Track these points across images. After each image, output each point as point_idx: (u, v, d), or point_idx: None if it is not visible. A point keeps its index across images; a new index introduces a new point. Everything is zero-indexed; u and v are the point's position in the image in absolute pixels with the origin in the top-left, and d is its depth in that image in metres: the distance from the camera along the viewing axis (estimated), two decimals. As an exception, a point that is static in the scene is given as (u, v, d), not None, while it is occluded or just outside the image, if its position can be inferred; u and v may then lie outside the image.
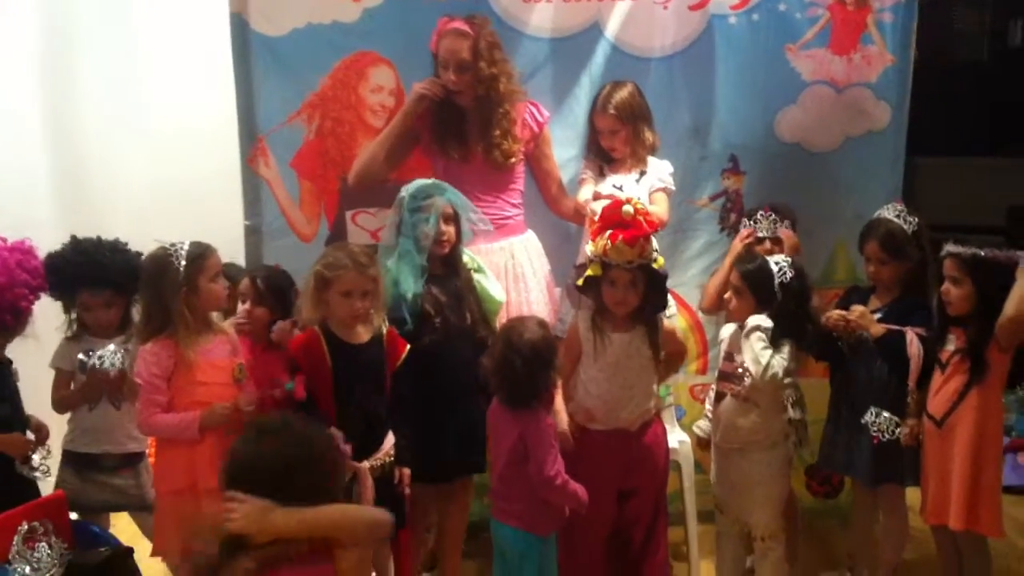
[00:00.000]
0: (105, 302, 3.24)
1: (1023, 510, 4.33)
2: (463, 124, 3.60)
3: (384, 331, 3.09)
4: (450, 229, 3.28)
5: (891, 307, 3.37)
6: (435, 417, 3.22)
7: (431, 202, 3.25)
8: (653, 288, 3.13)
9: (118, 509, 3.30)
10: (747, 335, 3.19)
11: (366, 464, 2.97)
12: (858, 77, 3.96)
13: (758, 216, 3.65)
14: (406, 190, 3.30)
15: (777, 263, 3.27)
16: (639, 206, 3.10)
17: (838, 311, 3.38)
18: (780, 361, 3.15)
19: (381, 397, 3.06)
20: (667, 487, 3.32)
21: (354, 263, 2.99)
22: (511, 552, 3.00)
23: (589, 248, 3.15)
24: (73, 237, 3.28)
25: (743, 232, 3.67)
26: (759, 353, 3.15)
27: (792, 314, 3.20)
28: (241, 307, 3.27)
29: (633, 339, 3.14)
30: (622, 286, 3.08)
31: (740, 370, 3.25)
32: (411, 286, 3.20)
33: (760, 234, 3.62)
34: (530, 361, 2.91)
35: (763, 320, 3.20)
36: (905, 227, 3.37)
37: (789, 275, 3.22)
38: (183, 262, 3.03)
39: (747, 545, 3.44)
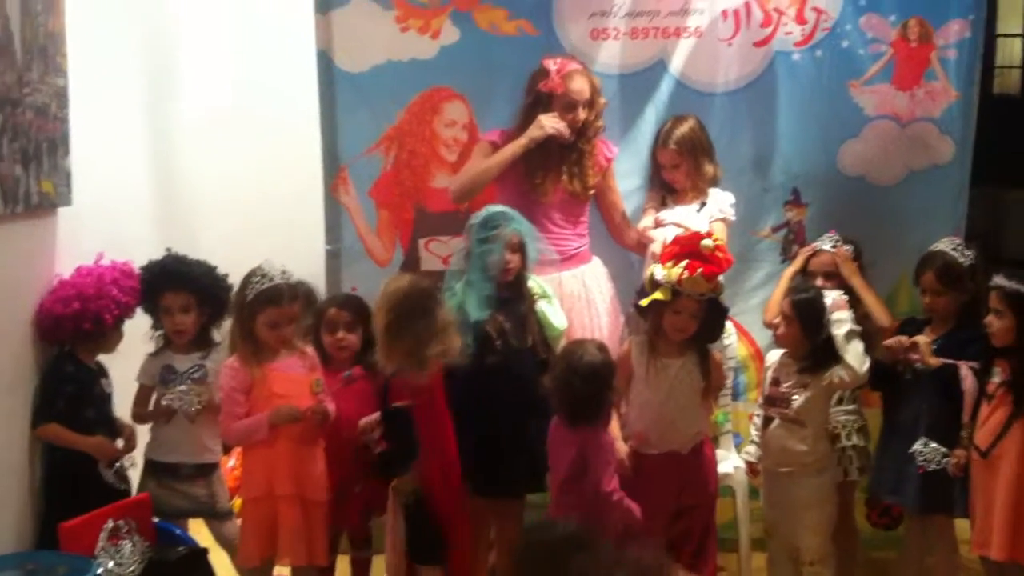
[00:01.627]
0: (182, 306, 3.43)
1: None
2: (552, 160, 3.73)
3: None
4: (515, 257, 3.43)
5: (946, 339, 3.42)
6: (495, 434, 3.37)
7: (498, 232, 3.40)
8: (712, 318, 3.26)
9: (192, 515, 3.50)
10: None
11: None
12: (921, 112, 4.03)
13: (824, 236, 3.74)
14: (476, 218, 3.47)
15: (831, 297, 3.36)
16: (718, 241, 3.27)
17: (895, 339, 3.44)
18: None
19: None
20: (716, 508, 3.42)
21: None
22: None
23: (659, 272, 3.25)
24: (167, 250, 3.54)
25: (807, 248, 3.77)
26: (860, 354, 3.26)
27: (833, 349, 3.29)
28: (332, 335, 3.46)
29: (685, 364, 3.27)
30: (687, 315, 3.22)
31: (787, 394, 3.34)
32: (476, 312, 3.37)
33: (821, 246, 3.69)
34: (589, 381, 3.05)
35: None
36: (961, 260, 3.42)
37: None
38: (251, 294, 3.24)
39: (798, 571, 3.51)
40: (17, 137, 3.08)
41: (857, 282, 3.57)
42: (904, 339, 3.42)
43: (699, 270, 3.15)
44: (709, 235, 3.29)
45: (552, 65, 3.68)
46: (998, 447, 3.17)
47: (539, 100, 3.70)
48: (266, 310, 3.23)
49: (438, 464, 3.18)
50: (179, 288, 3.44)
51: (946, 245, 3.50)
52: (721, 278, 3.26)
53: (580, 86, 3.67)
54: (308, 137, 4.05)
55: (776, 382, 3.40)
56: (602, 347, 3.22)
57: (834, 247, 3.67)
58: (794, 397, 3.32)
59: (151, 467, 3.46)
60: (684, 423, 3.27)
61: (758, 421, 3.52)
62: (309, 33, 4.00)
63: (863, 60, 4.02)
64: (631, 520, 3.08)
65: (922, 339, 3.40)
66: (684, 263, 3.17)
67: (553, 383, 3.12)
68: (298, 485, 3.22)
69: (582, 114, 3.68)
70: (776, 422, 3.38)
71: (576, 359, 3.10)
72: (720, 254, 3.23)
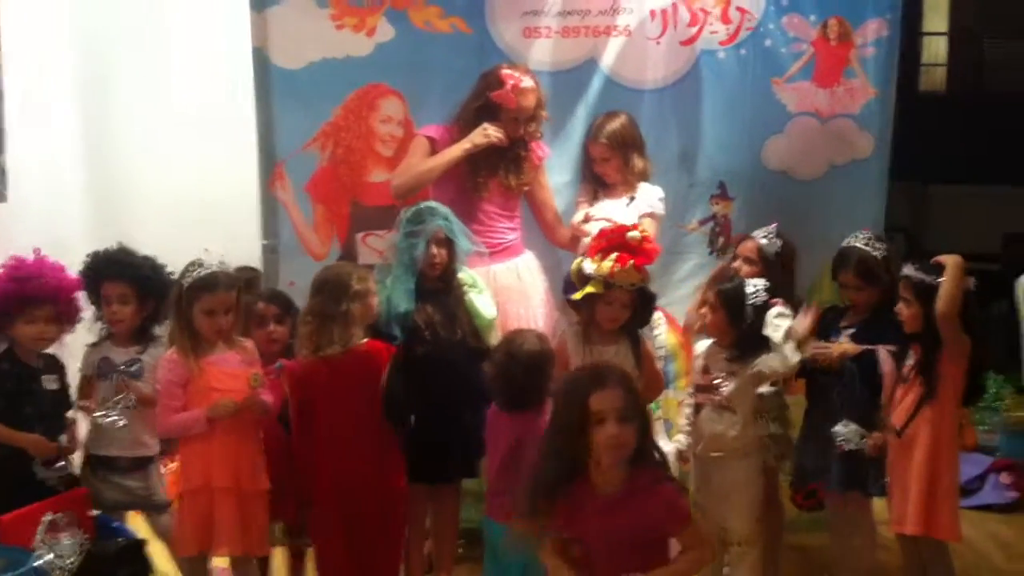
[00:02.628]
0: (120, 295, 3.42)
1: (1002, 527, 4.52)
2: (493, 159, 3.84)
3: None
4: (442, 252, 3.51)
5: (864, 324, 3.54)
6: (428, 422, 3.45)
7: (423, 227, 3.49)
8: (642, 306, 3.39)
9: (130, 508, 3.50)
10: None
11: None
12: (841, 109, 4.18)
13: (762, 229, 3.81)
14: (404, 214, 3.56)
15: (754, 285, 3.49)
16: (644, 232, 3.38)
17: (822, 349, 3.54)
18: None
19: None
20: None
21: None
22: (504, 548, 3.11)
23: (589, 267, 3.36)
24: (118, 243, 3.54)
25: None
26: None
27: (759, 335, 3.42)
28: (262, 328, 3.52)
29: (620, 350, 3.38)
30: (619, 305, 3.34)
31: (717, 381, 3.46)
32: (403, 304, 3.45)
33: (757, 236, 3.77)
34: (529, 368, 3.15)
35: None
36: (875, 254, 3.53)
37: (762, 298, 3.43)
38: (188, 283, 3.26)
39: (725, 552, 3.63)
40: (-50, 135, 3.10)
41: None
42: (822, 353, 3.52)
43: (630, 262, 3.27)
44: (635, 227, 3.39)
45: (509, 79, 3.76)
46: (911, 427, 3.30)
47: (488, 107, 3.79)
48: (202, 298, 3.25)
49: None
50: (118, 278, 3.44)
51: (859, 240, 3.59)
52: (649, 267, 3.37)
53: (529, 103, 3.79)
54: (245, 134, 4.09)
55: (706, 370, 3.51)
56: (541, 336, 3.34)
57: (766, 239, 3.76)
58: (724, 386, 3.43)
59: (89, 460, 3.47)
60: None
61: (688, 410, 3.62)
62: (245, 30, 4.03)
63: (785, 58, 4.16)
64: None
65: (841, 346, 3.50)
66: (614, 256, 3.28)
67: (493, 370, 3.22)
68: (236, 477, 3.25)
69: (524, 130, 3.82)
70: (706, 409, 3.49)
71: (516, 347, 3.20)
72: (648, 244, 3.35)
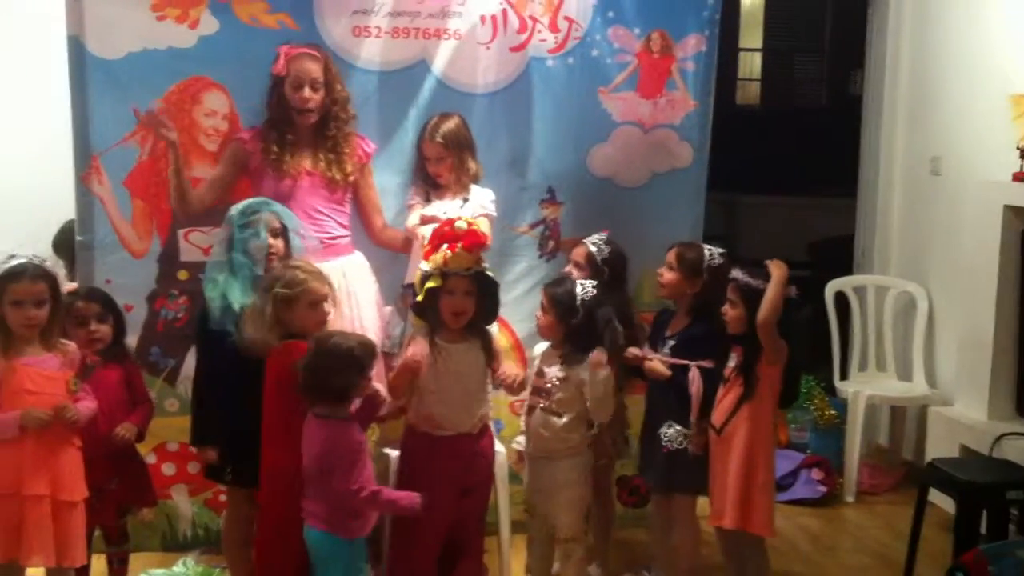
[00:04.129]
0: None
1: (812, 520, 4.77)
2: (302, 143, 3.80)
3: None
4: (278, 243, 3.45)
5: (682, 335, 3.66)
6: (258, 422, 3.30)
7: (258, 217, 3.42)
8: (486, 296, 3.40)
9: None
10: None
11: None
12: (663, 119, 4.33)
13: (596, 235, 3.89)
14: (234, 208, 3.47)
15: (582, 285, 3.57)
16: (471, 222, 3.41)
17: (633, 350, 3.68)
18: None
19: None
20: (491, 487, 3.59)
21: (313, 275, 3.27)
22: (320, 554, 3.10)
23: (425, 266, 3.38)
24: None
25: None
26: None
27: (590, 335, 3.51)
28: (83, 327, 3.38)
29: (470, 348, 3.39)
30: (460, 293, 3.32)
31: (549, 385, 3.52)
32: (240, 298, 3.35)
33: (587, 241, 3.86)
34: (340, 373, 3.06)
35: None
36: (707, 255, 3.66)
37: (590, 294, 3.52)
38: None
39: (554, 549, 3.69)
40: None
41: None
42: (636, 354, 3.66)
43: (459, 245, 3.30)
44: (459, 219, 3.42)
45: (283, 50, 3.76)
46: (730, 425, 3.43)
47: (274, 84, 3.78)
48: (9, 288, 3.08)
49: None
50: None
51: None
52: (484, 257, 3.40)
53: (304, 66, 3.75)
54: (59, 124, 3.89)
55: (541, 372, 3.56)
56: (354, 334, 3.29)
57: (595, 245, 3.82)
58: (557, 393, 3.49)
59: None
60: (474, 405, 3.40)
61: (525, 409, 3.67)
62: (60, 17, 3.84)
63: (611, 69, 4.27)
64: (397, 510, 3.16)
65: (651, 363, 3.63)
66: (445, 246, 3.32)
67: (303, 370, 3.09)
68: (50, 485, 3.09)
69: (309, 93, 3.75)
70: (538, 411, 3.54)
71: (328, 345, 3.09)
72: (477, 229, 3.38)
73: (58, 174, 3.98)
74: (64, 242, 4.14)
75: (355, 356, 3.09)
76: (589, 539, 3.70)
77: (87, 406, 3.21)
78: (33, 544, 3.06)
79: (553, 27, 4.22)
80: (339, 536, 3.09)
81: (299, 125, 3.80)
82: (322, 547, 3.10)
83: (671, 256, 3.69)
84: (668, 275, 3.70)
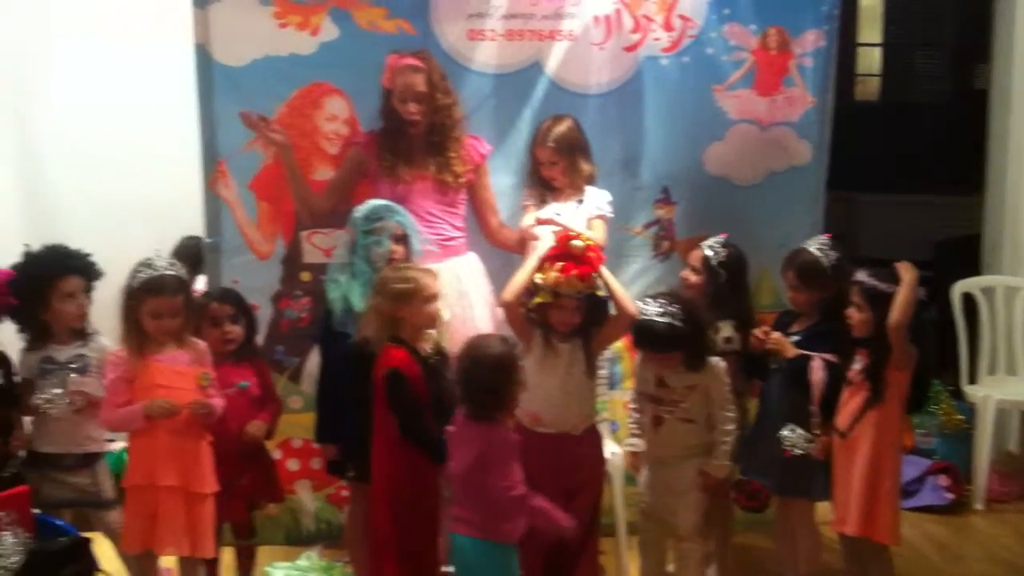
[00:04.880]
0: (77, 291, 3.41)
1: (939, 528, 4.62)
2: (414, 151, 3.86)
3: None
4: (400, 249, 3.50)
5: (808, 331, 3.59)
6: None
7: (382, 224, 3.48)
8: (594, 309, 3.44)
9: (76, 505, 3.45)
10: None
11: None
12: (781, 116, 4.26)
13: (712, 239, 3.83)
14: (359, 211, 3.53)
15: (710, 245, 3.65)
16: (588, 240, 3.43)
17: (762, 328, 3.64)
18: None
19: None
20: (603, 490, 3.57)
21: (424, 272, 3.34)
22: (471, 562, 3.09)
23: (538, 278, 3.40)
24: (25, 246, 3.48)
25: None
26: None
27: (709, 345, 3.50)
28: (217, 328, 3.50)
29: (575, 348, 3.42)
30: (570, 311, 3.38)
31: (672, 392, 3.49)
32: (360, 302, 3.42)
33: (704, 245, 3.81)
34: (495, 374, 3.08)
35: None
36: (824, 260, 3.58)
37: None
38: (135, 284, 3.25)
39: (668, 551, 3.67)
40: None
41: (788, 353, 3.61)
42: (760, 332, 3.60)
43: (573, 272, 3.33)
44: (578, 236, 3.43)
45: (388, 60, 3.80)
46: (855, 429, 3.36)
47: (383, 95, 3.84)
48: (149, 300, 3.23)
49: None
50: (75, 273, 3.41)
51: (812, 244, 3.66)
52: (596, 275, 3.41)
53: (408, 80, 3.79)
54: (187, 130, 4.02)
55: (661, 383, 3.52)
56: (505, 339, 3.29)
57: (711, 249, 3.76)
58: (683, 403, 3.47)
59: (33, 458, 3.41)
60: (577, 404, 3.42)
61: (636, 415, 3.65)
62: (187, 27, 3.97)
63: (726, 67, 4.23)
64: (543, 519, 3.12)
65: (776, 334, 3.59)
66: (559, 266, 3.34)
67: (458, 376, 3.13)
68: (181, 477, 3.22)
69: (415, 107, 3.79)
70: (668, 421, 3.51)
71: (480, 352, 3.12)
72: (591, 253, 3.40)
73: (185, 180, 4.11)
74: (183, 252, 4.30)
75: (509, 359, 3.12)
76: (708, 542, 3.67)
77: (217, 402, 3.32)
78: (166, 534, 3.20)
79: (667, 26, 4.20)
80: (493, 541, 3.07)
81: (408, 134, 3.86)
82: (474, 554, 3.08)
83: (792, 278, 3.63)
84: (799, 297, 3.63)
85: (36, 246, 3.46)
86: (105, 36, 4.24)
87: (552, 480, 3.32)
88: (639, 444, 3.65)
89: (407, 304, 3.26)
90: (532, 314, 3.43)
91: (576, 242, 3.38)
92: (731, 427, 3.51)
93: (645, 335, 3.45)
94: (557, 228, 3.58)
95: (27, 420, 3.45)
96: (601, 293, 3.47)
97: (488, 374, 3.07)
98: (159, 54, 4.22)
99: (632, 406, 3.69)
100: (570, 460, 3.41)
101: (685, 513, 3.51)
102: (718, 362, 3.51)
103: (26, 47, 4.16)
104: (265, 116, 3.90)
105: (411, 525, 3.19)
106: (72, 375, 3.39)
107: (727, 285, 3.72)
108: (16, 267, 3.41)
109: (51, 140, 4.23)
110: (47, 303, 3.40)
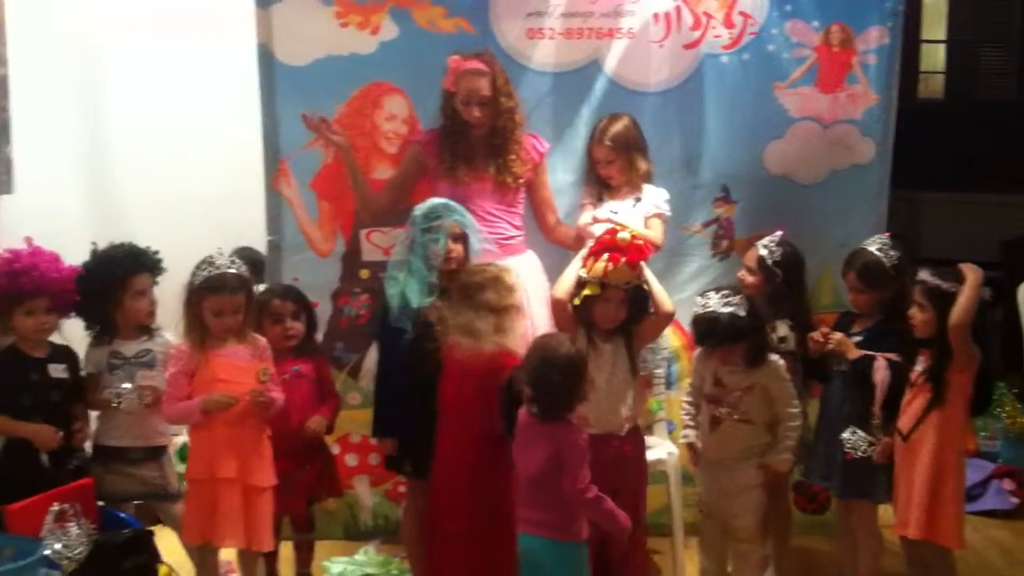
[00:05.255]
0: (147, 287, 3.50)
1: (1003, 532, 4.55)
2: (474, 152, 3.86)
3: None
4: (458, 247, 3.51)
5: (869, 332, 3.55)
6: (435, 417, 3.41)
7: (440, 223, 3.49)
8: (637, 304, 3.43)
9: (144, 498, 3.53)
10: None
11: None
12: (843, 114, 4.20)
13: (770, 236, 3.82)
14: (418, 210, 3.55)
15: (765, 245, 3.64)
16: (634, 232, 3.44)
17: (822, 329, 3.59)
18: None
19: None
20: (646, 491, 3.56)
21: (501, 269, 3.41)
22: (543, 563, 3.05)
23: (584, 273, 3.42)
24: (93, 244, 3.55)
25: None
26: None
27: (766, 343, 3.48)
28: (279, 324, 3.56)
29: (618, 347, 3.42)
30: (616, 303, 3.37)
31: (729, 391, 3.46)
32: (417, 300, 3.44)
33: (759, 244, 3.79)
34: (567, 374, 3.03)
35: None
36: (885, 260, 3.54)
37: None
38: (197, 282, 3.31)
39: (727, 552, 3.63)
40: (-41, 124, 3.10)
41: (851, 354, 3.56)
42: (819, 334, 3.55)
43: (622, 260, 3.33)
44: (624, 228, 3.45)
45: (451, 63, 3.78)
46: (917, 432, 3.31)
47: (445, 96, 3.84)
48: (210, 298, 3.29)
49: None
50: (145, 271, 3.49)
51: (872, 244, 3.61)
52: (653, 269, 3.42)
53: (472, 84, 3.77)
54: (249, 130, 4.09)
55: (719, 382, 3.50)
56: (572, 339, 3.27)
57: (767, 248, 3.74)
58: (742, 404, 3.45)
59: (100, 452, 3.48)
60: (619, 404, 3.40)
61: (690, 408, 3.65)
62: (249, 26, 4.04)
63: (788, 63, 4.18)
64: (610, 522, 3.09)
65: (837, 335, 3.54)
66: (606, 257, 3.34)
67: (528, 376, 3.07)
68: (241, 470, 3.26)
69: (479, 112, 3.78)
70: (725, 422, 3.49)
71: (552, 351, 3.07)
72: (637, 242, 3.41)
73: (247, 178, 4.17)
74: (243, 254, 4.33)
75: (579, 357, 3.10)
76: (765, 544, 3.64)
77: (277, 396, 3.37)
78: (225, 526, 3.25)
79: (728, 23, 4.16)
80: (565, 541, 3.04)
81: (470, 135, 3.86)
82: (546, 554, 3.05)
83: (853, 279, 3.58)
84: (860, 298, 3.59)
85: (104, 244, 3.54)
86: (170, 37, 4.32)
87: (598, 480, 3.28)
88: (693, 435, 3.64)
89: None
90: (578, 310, 3.42)
91: (622, 234, 3.39)
92: (796, 423, 3.49)
93: (707, 327, 3.43)
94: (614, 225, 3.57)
95: (92, 414, 3.52)
96: (646, 287, 3.46)
97: (560, 374, 3.02)
98: (222, 54, 4.29)
99: (686, 400, 3.68)
100: (615, 460, 3.39)
101: (743, 514, 3.50)
102: (777, 360, 3.49)
103: (95, 49, 4.25)
104: (325, 117, 3.93)
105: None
106: (140, 370, 3.47)
107: (783, 285, 3.69)
108: (88, 264, 3.48)
109: (118, 140, 4.31)
110: (119, 300, 3.47)
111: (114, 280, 3.45)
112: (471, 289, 3.35)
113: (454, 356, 3.31)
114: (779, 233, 3.78)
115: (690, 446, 3.66)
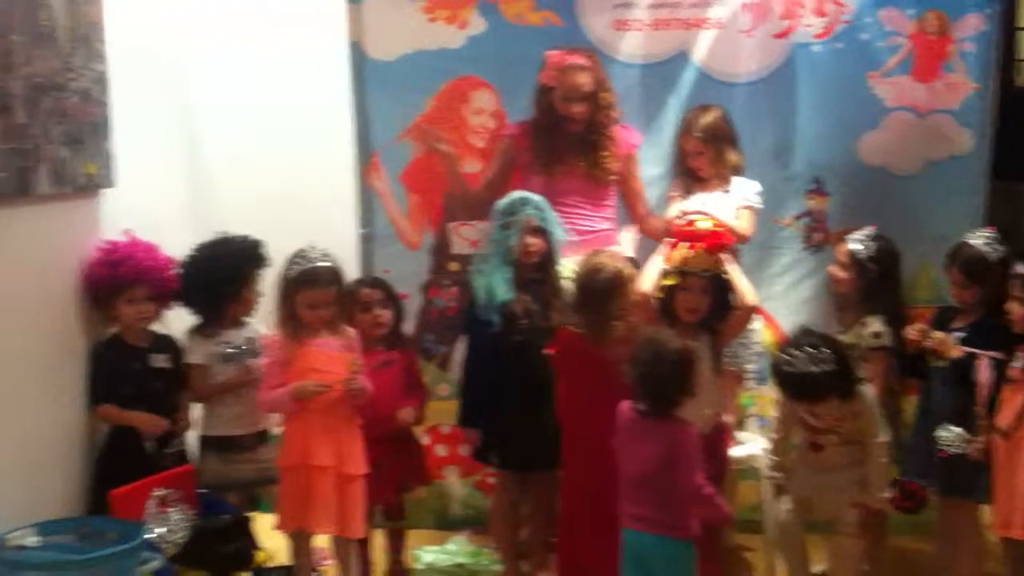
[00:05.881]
0: (257, 282, 3.61)
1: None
2: (568, 147, 3.84)
3: None
4: (538, 241, 3.52)
5: (972, 328, 3.46)
6: (522, 410, 3.46)
7: (515, 218, 3.51)
8: (718, 297, 3.39)
9: (259, 484, 3.60)
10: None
11: None
12: (940, 104, 4.10)
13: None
14: (499, 204, 3.58)
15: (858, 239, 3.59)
16: (714, 220, 3.45)
17: (919, 326, 3.52)
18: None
19: None
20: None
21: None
22: (654, 560, 3.03)
23: (665, 263, 3.41)
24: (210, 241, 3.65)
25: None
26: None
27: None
28: (368, 313, 3.60)
29: (701, 345, 3.34)
30: (697, 292, 3.34)
31: (827, 424, 3.41)
32: (500, 293, 3.48)
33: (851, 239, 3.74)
34: (677, 369, 3.01)
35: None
36: (990, 254, 3.45)
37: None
38: (291, 275, 3.38)
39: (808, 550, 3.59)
40: (63, 120, 3.18)
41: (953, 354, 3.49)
42: (914, 332, 3.48)
43: (700, 246, 3.32)
44: (704, 216, 3.45)
45: (552, 58, 3.77)
46: (1019, 429, 3.22)
47: (541, 90, 3.81)
48: (304, 292, 3.34)
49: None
50: (265, 264, 3.60)
51: (976, 238, 3.52)
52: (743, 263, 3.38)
53: (575, 80, 3.75)
54: (341, 124, 4.16)
55: (813, 412, 3.42)
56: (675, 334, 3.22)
57: (859, 243, 3.68)
58: (839, 430, 3.41)
59: (212, 444, 3.57)
60: (705, 402, 3.33)
61: (774, 459, 3.64)
62: (340, 23, 4.10)
63: (882, 52, 4.09)
64: (719, 515, 3.10)
65: (938, 334, 3.46)
66: (686, 245, 3.34)
67: (636, 371, 3.03)
68: (334, 458, 3.32)
69: (578, 108, 3.76)
70: (829, 446, 3.45)
71: (661, 345, 3.03)
72: (717, 229, 3.39)
73: (339, 172, 4.23)
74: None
75: (689, 352, 3.06)
76: (861, 541, 3.56)
77: (367, 384, 3.40)
78: (318, 513, 3.30)
79: (819, 11, 4.09)
80: (677, 538, 3.02)
81: (564, 130, 3.83)
82: (657, 551, 3.02)
83: (957, 274, 3.50)
84: (964, 293, 3.50)
85: (200, 237, 3.64)
86: (263, 35, 4.38)
87: None
88: (780, 477, 3.60)
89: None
90: (661, 303, 3.39)
91: (701, 222, 3.37)
92: (884, 458, 3.43)
93: (798, 389, 3.35)
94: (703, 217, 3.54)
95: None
96: (725, 276, 3.40)
97: (671, 369, 2.99)
98: (314, 51, 4.35)
99: (768, 450, 3.65)
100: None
101: (846, 510, 3.44)
102: (866, 389, 3.41)
103: (191, 47, 4.33)
104: (431, 127, 4.00)
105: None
106: (249, 359, 3.57)
107: (877, 279, 3.62)
108: (208, 255, 3.57)
109: (213, 135, 4.39)
110: (239, 292, 3.56)
111: (239, 272, 3.56)
112: (596, 289, 3.33)
113: (579, 351, 3.31)
114: (872, 227, 3.72)
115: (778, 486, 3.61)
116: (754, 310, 3.48)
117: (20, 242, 3.03)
